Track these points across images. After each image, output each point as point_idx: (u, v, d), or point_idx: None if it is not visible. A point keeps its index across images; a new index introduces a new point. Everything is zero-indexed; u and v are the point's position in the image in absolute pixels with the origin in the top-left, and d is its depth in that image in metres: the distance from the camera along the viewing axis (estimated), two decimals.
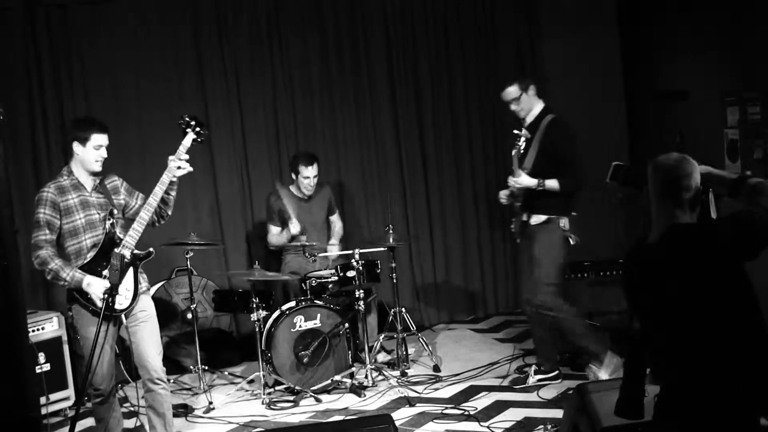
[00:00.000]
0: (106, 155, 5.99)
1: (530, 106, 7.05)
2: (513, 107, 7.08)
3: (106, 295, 5.68)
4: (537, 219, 7.01)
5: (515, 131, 7.01)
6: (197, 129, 6.23)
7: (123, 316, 5.88)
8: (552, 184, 6.86)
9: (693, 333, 3.67)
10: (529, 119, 7.06)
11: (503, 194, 7.25)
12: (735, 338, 3.64)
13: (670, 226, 3.75)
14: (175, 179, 6.09)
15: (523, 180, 6.89)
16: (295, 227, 8.11)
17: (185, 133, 6.22)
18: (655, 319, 3.81)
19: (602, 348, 6.95)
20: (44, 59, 8.35)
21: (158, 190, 5.99)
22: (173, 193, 6.15)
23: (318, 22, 9.18)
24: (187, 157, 6.12)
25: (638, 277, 3.86)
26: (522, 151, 6.96)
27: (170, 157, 6.08)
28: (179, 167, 6.06)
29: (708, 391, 3.65)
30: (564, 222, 6.95)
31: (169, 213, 6.23)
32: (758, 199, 3.66)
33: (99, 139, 5.92)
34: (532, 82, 7.08)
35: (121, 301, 5.83)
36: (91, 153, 5.90)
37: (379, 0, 9.32)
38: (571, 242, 6.99)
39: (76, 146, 5.92)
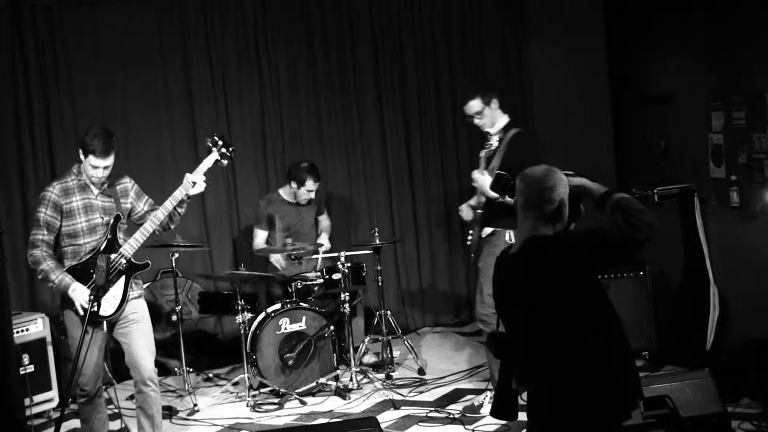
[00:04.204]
0: (103, 175, 5.81)
1: (493, 119, 6.84)
2: (476, 121, 6.87)
3: (91, 298, 5.65)
4: (485, 231, 6.81)
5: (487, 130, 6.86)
6: (222, 150, 6.16)
7: (105, 323, 5.82)
8: (511, 199, 6.59)
9: (546, 342, 3.75)
10: (494, 132, 6.87)
11: (465, 208, 7.00)
12: (584, 349, 3.71)
13: (528, 238, 3.82)
14: (186, 198, 5.99)
15: (486, 183, 6.43)
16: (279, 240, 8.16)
17: (209, 152, 6.15)
18: (515, 327, 3.91)
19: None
20: (30, 59, 8.33)
21: (168, 205, 5.92)
22: (181, 210, 6.04)
23: (305, 24, 9.18)
24: (204, 178, 6.01)
25: (502, 285, 3.95)
26: (489, 157, 6.79)
27: (187, 175, 5.99)
28: (194, 184, 5.97)
29: (561, 398, 3.73)
30: (509, 235, 6.65)
31: (172, 227, 6.12)
32: (616, 214, 3.69)
33: (94, 161, 5.74)
34: (495, 96, 6.87)
35: (107, 308, 5.77)
36: (88, 168, 5.78)
37: (365, 3, 9.32)
38: None
39: (81, 154, 5.81)
